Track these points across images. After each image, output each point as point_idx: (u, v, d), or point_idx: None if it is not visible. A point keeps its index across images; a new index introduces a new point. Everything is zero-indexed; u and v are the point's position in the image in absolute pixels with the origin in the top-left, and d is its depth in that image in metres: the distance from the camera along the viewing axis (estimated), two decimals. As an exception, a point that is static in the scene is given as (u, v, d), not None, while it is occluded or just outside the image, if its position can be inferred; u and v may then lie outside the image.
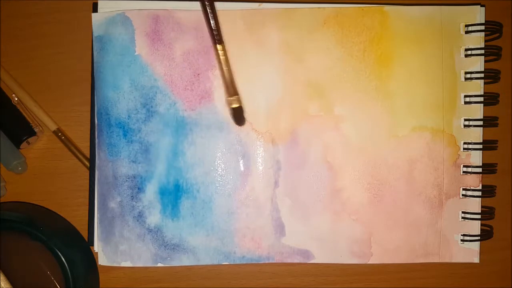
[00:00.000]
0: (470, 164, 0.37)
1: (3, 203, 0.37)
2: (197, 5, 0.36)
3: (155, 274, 0.38)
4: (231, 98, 0.34)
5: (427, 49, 0.36)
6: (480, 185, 0.37)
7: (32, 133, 0.37)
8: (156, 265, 0.36)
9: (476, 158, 0.37)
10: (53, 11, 0.38)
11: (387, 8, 0.36)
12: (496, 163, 0.37)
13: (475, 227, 0.37)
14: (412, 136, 0.37)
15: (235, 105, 0.34)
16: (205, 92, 0.36)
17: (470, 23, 0.36)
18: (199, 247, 0.36)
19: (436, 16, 0.36)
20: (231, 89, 0.32)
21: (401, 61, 0.36)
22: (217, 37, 0.31)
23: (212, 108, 0.36)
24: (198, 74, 0.36)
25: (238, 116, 0.34)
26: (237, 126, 0.35)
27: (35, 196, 0.38)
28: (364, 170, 0.37)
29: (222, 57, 0.32)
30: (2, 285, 0.33)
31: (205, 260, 0.36)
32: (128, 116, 0.36)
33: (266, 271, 0.39)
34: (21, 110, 0.38)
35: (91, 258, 0.37)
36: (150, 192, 0.36)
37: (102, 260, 0.36)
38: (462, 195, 0.37)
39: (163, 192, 0.36)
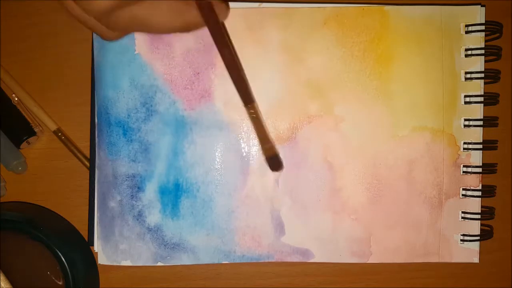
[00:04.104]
0: (470, 164, 0.37)
1: (3, 203, 0.37)
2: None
3: (155, 273, 0.38)
4: (267, 147, 0.33)
5: (427, 49, 0.36)
6: (480, 185, 0.37)
7: (32, 133, 0.37)
8: (156, 264, 0.36)
9: (476, 158, 0.37)
10: (53, 11, 0.38)
11: (387, 8, 0.36)
12: (496, 163, 0.37)
13: (475, 227, 0.37)
14: (412, 136, 0.37)
15: (271, 154, 0.33)
16: (205, 91, 0.36)
17: (470, 23, 0.36)
18: (199, 246, 0.36)
19: (436, 16, 0.36)
20: (266, 140, 0.32)
21: (401, 61, 0.36)
22: (247, 97, 0.31)
23: (212, 107, 0.36)
24: (198, 73, 0.36)
25: (275, 163, 0.34)
26: (275, 172, 0.35)
27: (35, 196, 0.38)
28: (364, 170, 0.37)
29: (253, 116, 0.32)
30: (2, 285, 0.33)
31: (205, 259, 0.36)
32: (128, 115, 0.36)
33: (266, 271, 0.39)
34: (21, 110, 0.38)
35: (91, 258, 0.37)
36: (150, 191, 0.36)
37: (102, 259, 0.36)
38: (462, 195, 0.37)
39: (163, 191, 0.36)
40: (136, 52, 0.35)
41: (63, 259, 0.34)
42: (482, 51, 0.36)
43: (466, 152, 0.37)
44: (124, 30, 0.26)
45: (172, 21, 0.25)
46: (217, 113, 0.36)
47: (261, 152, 0.33)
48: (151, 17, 0.24)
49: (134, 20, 0.24)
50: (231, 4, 0.36)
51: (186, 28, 0.27)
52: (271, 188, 0.36)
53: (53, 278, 0.34)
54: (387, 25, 0.36)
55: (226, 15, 0.29)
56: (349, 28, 0.36)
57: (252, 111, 0.31)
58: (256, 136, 0.33)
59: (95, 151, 0.37)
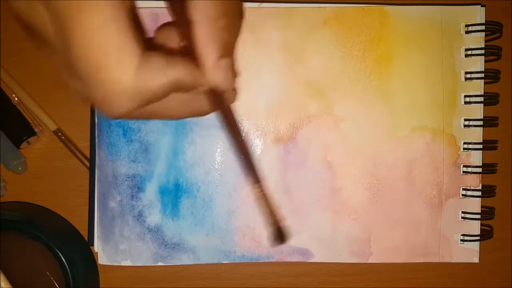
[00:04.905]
0: (470, 164, 0.37)
1: (3, 203, 0.37)
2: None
3: (155, 273, 0.38)
4: (272, 221, 0.33)
5: (427, 49, 0.36)
6: (480, 185, 0.37)
7: (32, 133, 0.37)
8: (156, 264, 0.36)
9: (476, 158, 0.37)
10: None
11: (387, 8, 0.36)
12: (496, 163, 0.37)
13: (475, 227, 0.37)
14: (412, 136, 0.37)
15: (276, 227, 0.33)
16: (205, 92, 0.36)
17: (470, 23, 0.36)
18: (199, 246, 0.36)
19: (436, 16, 0.36)
20: (271, 215, 0.33)
21: (401, 61, 0.36)
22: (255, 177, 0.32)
23: (212, 107, 0.36)
24: (198, 74, 0.36)
25: (281, 236, 0.34)
26: (280, 244, 0.34)
27: (35, 196, 0.38)
28: (364, 170, 0.37)
29: (260, 194, 0.33)
30: (2, 285, 0.33)
31: (205, 259, 0.36)
32: (128, 115, 0.36)
33: (266, 271, 0.39)
34: (21, 110, 0.38)
35: (91, 258, 0.37)
36: (150, 191, 0.36)
37: (102, 259, 0.36)
38: (462, 195, 0.37)
39: (163, 192, 0.36)
40: (136, 52, 0.35)
41: (63, 259, 0.34)
42: (482, 51, 0.36)
43: (466, 152, 0.37)
44: (134, 118, 0.27)
45: (182, 110, 0.26)
46: (217, 113, 0.36)
47: (267, 225, 0.33)
48: (163, 109, 0.25)
49: (146, 112, 0.25)
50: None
51: (196, 115, 0.27)
52: (271, 188, 0.36)
53: (53, 278, 0.34)
54: (387, 25, 0.36)
55: (234, 99, 0.29)
56: (349, 28, 0.36)
57: (259, 189, 0.32)
58: (262, 212, 0.33)
59: (95, 151, 0.37)
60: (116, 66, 0.21)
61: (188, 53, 0.25)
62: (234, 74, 0.26)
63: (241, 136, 0.29)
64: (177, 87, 0.24)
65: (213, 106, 0.27)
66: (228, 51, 0.25)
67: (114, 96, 0.22)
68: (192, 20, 0.24)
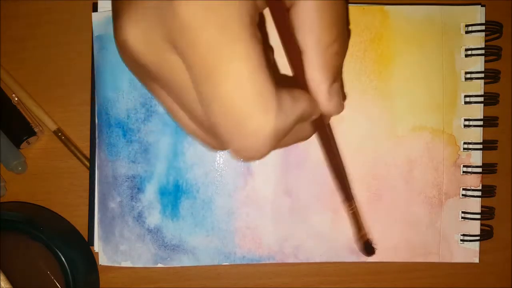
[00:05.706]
0: (470, 164, 0.37)
1: (3, 203, 0.37)
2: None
3: (155, 274, 0.38)
4: (361, 234, 0.35)
5: (427, 49, 0.36)
6: (480, 185, 0.37)
7: (32, 133, 0.37)
8: (156, 266, 0.36)
9: (476, 158, 0.37)
10: (53, 11, 0.38)
11: (387, 7, 0.36)
12: (496, 163, 0.37)
13: (475, 227, 0.37)
14: (412, 136, 0.37)
15: (365, 240, 0.35)
16: (205, 92, 0.36)
17: (470, 23, 0.36)
18: (199, 248, 0.36)
19: (436, 16, 0.36)
20: (361, 229, 0.35)
21: (401, 60, 0.36)
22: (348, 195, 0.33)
23: (212, 108, 0.36)
24: (198, 75, 0.36)
25: (369, 248, 0.35)
26: (369, 256, 0.36)
27: (35, 196, 0.38)
28: (364, 170, 0.36)
29: (351, 212, 0.34)
30: (2, 285, 0.33)
31: (205, 260, 0.36)
32: (128, 116, 0.36)
33: (266, 271, 0.39)
34: (21, 110, 0.38)
35: (91, 258, 0.37)
36: (150, 192, 0.36)
37: (103, 260, 0.36)
38: (462, 195, 0.37)
39: (162, 192, 0.36)
40: (136, 53, 0.35)
41: (63, 259, 0.34)
42: (482, 51, 0.36)
43: (466, 152, 0.37)
44: None
45: (292, 139, 0.25)
46: (217, 114, 0.36)
47: (356, 239, 0.35)
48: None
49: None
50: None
51: (301, 140, 0.27)
52: (271, 189, 0.36)
53: (53, 278, 0.34)
54: (387, 25, 0.36)
55: (329, 119, 0.29)
56: (349, 28, 0.36)
57: (351, 207, 0.33)
58: (353, 227, 0.35)
59: (95, 151, 0.37)
60: (260, 115, 0.20)
61: (298, 80, 0.24)
62: (343, 97, 0.26)
63: (338, 156, 0.29)
64: (301, 121, 0.23)
65: (315, 130, 0.27)
66: (338, 75, 0.24)
67: (255, 143, 0.21)
68: (303, 48, 0.23)
